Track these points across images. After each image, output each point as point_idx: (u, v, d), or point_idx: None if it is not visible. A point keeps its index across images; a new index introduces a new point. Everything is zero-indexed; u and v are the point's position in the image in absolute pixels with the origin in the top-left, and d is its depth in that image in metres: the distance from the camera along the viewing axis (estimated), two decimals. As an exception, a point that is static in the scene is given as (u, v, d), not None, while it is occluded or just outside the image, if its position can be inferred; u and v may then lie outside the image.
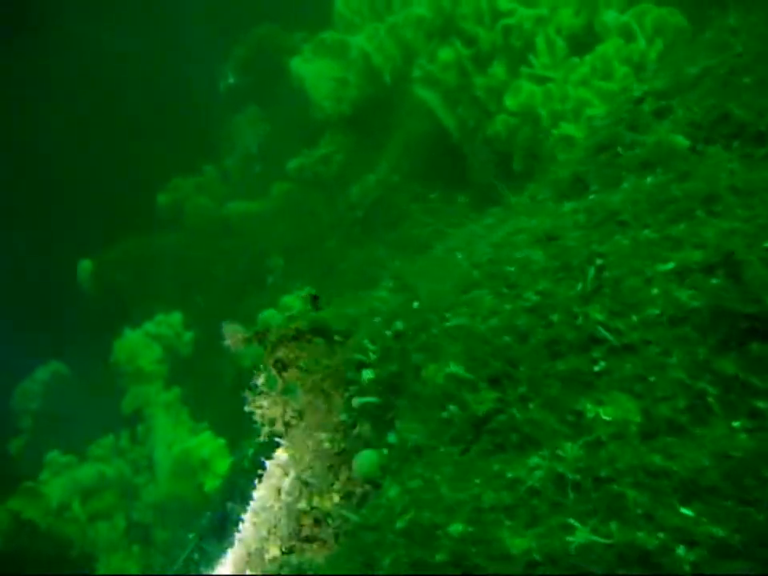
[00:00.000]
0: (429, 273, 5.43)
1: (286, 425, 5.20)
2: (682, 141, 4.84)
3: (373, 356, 4.91)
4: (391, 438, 4.64)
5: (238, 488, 6.20)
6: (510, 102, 17.53)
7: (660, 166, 4.89)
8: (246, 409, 5.26)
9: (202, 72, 26.57)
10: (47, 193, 24.80)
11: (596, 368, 3.96)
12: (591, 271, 4.22)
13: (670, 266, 4.08)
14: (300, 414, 5.15)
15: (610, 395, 3.85)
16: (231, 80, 26.11)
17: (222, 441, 16.35)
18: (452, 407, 4.26)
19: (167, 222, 23.62)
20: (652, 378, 3.79)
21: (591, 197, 5.30)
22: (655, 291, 4.02)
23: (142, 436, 19.09)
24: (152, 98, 26.15)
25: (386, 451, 4.66)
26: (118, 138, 25.30)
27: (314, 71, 21.14)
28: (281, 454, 5.28)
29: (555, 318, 4.20)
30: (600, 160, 5.50)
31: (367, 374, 4.93)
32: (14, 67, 25.62)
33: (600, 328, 4.02)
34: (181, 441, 17.93)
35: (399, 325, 4.92)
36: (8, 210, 24.04)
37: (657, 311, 3.95)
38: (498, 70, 17.96)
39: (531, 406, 4.04)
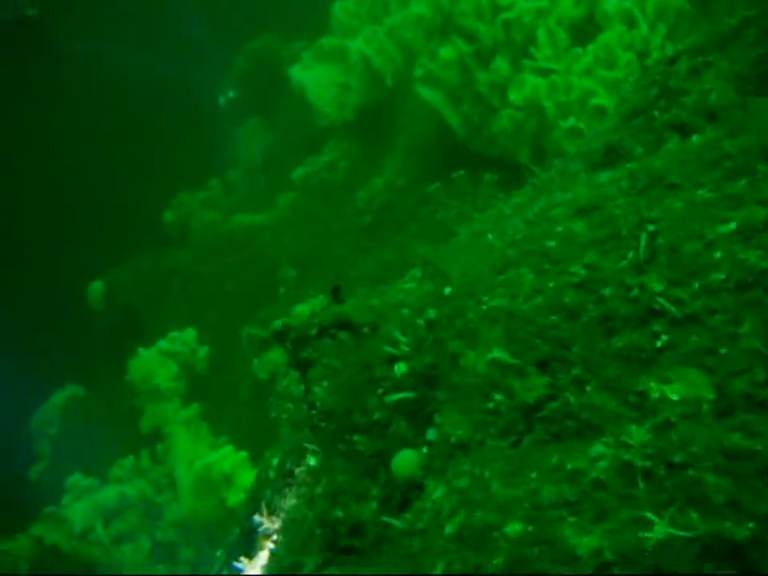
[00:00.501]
0: (458, 258, 4.98)
1: (314, 428, 4.76)
2: (728, 95, 4.41)
3: (405, 348, 4.48)
4: (431, 434, 4.21)
5: (265, 499, 5.72)
6: (514, 96, 17.18)
7: (706, 124, 4.46)
8: (272, 415, 4.80)
9: (204, 86, 26.25)
10: (53, 214, 24.38)
11: (658, 343, 3.52)
12: (643, 238, 3.78)
13: (732, 226, 3.65)
14: (329, 416, 4.71)
15: (676, 371, 3.42)
16: (231, 94, 25.77)
17: (243, 454, 15.90)
18: (498, 396, 3.83)
19: (175, 239, 23.27)
20: (723, 350, 3.36)
21: (629, 165, 4.87)
22: (718, 255, 3.59)
23: (162, 455, 18.66)
24: (154, 114, 25.78)
25: (425, 449, 4.23)
26: (120, 156, 24.92)
27: (314, 78, 20.77)
28: (311, 460, 4.84)
29: (607, 291, 3.76)
30: (634, 126, 5.07)
31: (400, 368, 4.50)
32: (22, 91, 25.30)
33: (659, 299, 3.58)
34: (201, 457, 17.53)
35: (431, 313, 4.48)
36: (14, 233, 23.75)
37: (722, 276, 3.51)
38: (501, 64, 17.60)
39: (588, 389, 3.60)
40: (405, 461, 4.21)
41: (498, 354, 3.86)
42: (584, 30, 17.12)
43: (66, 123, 24.71)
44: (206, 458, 16.21)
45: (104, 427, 20.31)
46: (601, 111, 17.14)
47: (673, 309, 3.53)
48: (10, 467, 20.69)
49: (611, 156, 5.09)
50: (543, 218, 4.55)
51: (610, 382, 3.55)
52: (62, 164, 24.60)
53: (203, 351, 19.52)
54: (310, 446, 4.80)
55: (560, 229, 4.28)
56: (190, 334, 19.50)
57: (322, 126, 21.21)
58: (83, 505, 18.23)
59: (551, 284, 3.97)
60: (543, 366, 3.76)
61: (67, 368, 21.76)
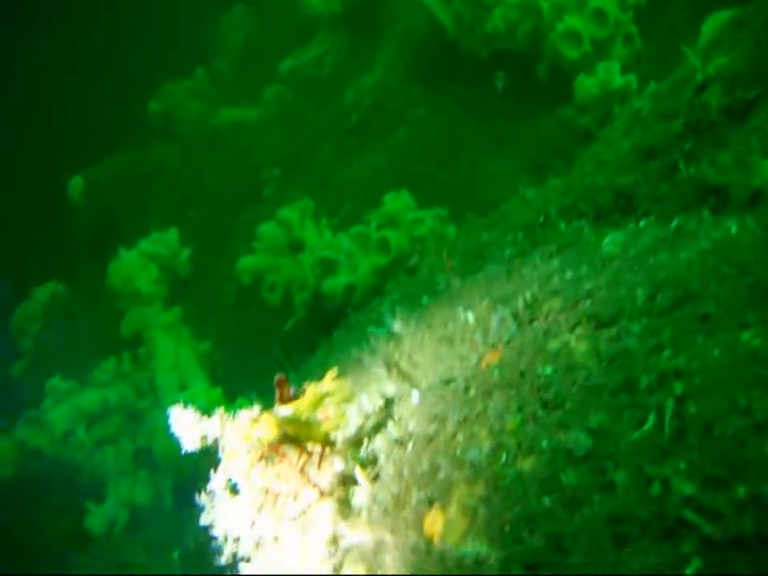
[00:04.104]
0: (427, 345, 3.93)
1: (255, 546, 3.80)
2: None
3: (361, 472, 3.49)
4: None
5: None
6: (508, -7, 15.93)
7: (749, 208, 3.36)
8: (202, 522, 3.81)
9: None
10: (33, 107, 23.07)
11: (688, 570, 2.51)
12: (669, 404, 2.75)
13: (793, 403, 2.60)
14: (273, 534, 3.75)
15: (717, 619, 2.43)
16: None
17: (217, 391, 15.07)
18: (472, 598, 2.85)
19: (159, 131, 21.91)
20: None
21: (642, 223, 3.80)
22: (773, 447, 2.56)
23: (143, 359, 17.82)
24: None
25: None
26: (103, 44, 23.47)
27: (302, -36, 19.25)
28: (249, 583, 3.89)
29: (619, 478, 2.74)
30: (650, 170, 3.95)
31: (356, 496, 3.53)
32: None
33: (688, 511, 2.57)
34: (181, 363, 16.81)
35: (395, 431, 3.48)
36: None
37: (780, 484, 2.49)
38: (495, -42, 16.22)
39: None
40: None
41: (474, 546, 2.86)
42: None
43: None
44: (179, 395, 15.34)
45: (86, 328, 19.43)
46: (600, 14, 15.86)
47: (707, 527, 2.52)
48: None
49: (621, 203, 4.00)
50: (535, 313, 3.49)
51: (621, 618, 2.57)
52: (42, 59, 23.20)
53: (185, 254, 18.47)
54: (249, 569, 3.85)
55: (557, 345, 3.22)
56: (172, 235, 18.40)
57: (309, 15, 19.78)
58: (64, 408, 17.44)
59: (545, 443, 2.95)
60: (533, 569, 2.77)
61: (48, 266, 20.77)
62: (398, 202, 14.81)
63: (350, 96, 18.13)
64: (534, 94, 15.68)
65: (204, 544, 8.53)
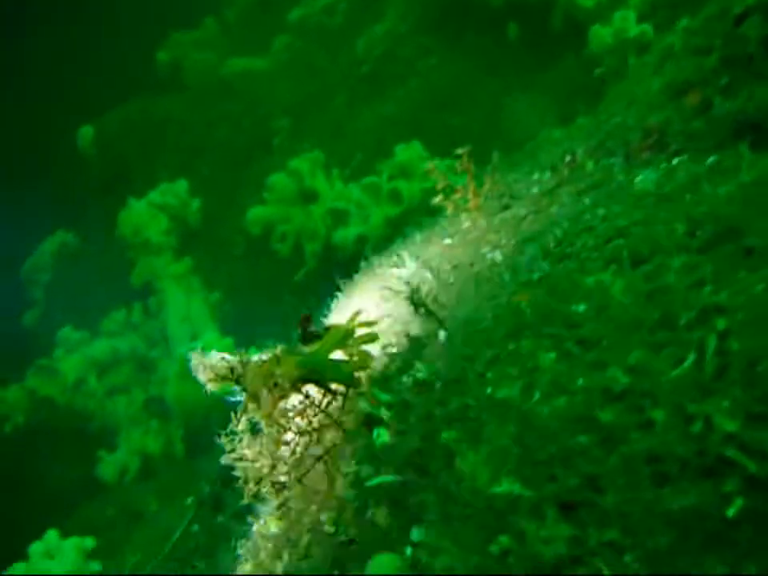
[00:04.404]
0: (458, 280, 3.83)
1: (277, 486, 3.71)
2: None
3: (387, 412, 3.40)
4: (416, 534, 3.17)
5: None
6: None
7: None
8: (223, 461, 3.72)
9: None
10: (41, 55, 22.85)
11: (729, 511, 2.41)
12: (711, 341, 2.64)
13: (838, 340, 2.51)
14: (296, 474, 3.67)
15: (761, 562, 2.33)
16: None
17: (229, 340, 14.96)
18: (503, 539, 2.76)
19: (168, 81, 21.67)
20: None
21: (675, 161, 3.67)
22: (818, 384, 2.46)
23: (154, 309, 17.78)
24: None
25: (409, 551, 3.19)
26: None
27: None
28: (270, 524, 3.81)
29: (658, 415, 2.64)
30: (683, 108, 3.82)
31: (381, 436, 3.43)
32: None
33: (730, 448, 2.47)
34: (189, 315, 16.75)
35: (422, 371, 3.38)
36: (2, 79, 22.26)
37: (826, 422, 2.39)
38: None
39: (627, 560, 2.52)
40: (382, 568, 3.19)
41: (508, 486, 2.77)
42: None
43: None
44: (190, 344, 15.27)
45: (96, 277, 19.36)
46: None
47: (750, 465, 2.42)
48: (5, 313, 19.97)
49: (651, 140, 3.87)
50: (566, 250, 3.38)
51: (660, 558, 2.48)
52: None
53: (195, 204, 18.30)
54: (269, 510, 3.78)
55: (591, 282, 3.12)
56: (181, 185, 18.24)
57: (320, -39, 19.49)
58: (75, 358, 17.46)
59: (580, 381, 2.85)
60: (568, 509, 2.68)
61: (58, 215, 20.65)
62: (409, 152, 14.64)
63: (361, 45, 17.87)
64: (548, 44, 15.46)
65: (218, 491, 8.51)
